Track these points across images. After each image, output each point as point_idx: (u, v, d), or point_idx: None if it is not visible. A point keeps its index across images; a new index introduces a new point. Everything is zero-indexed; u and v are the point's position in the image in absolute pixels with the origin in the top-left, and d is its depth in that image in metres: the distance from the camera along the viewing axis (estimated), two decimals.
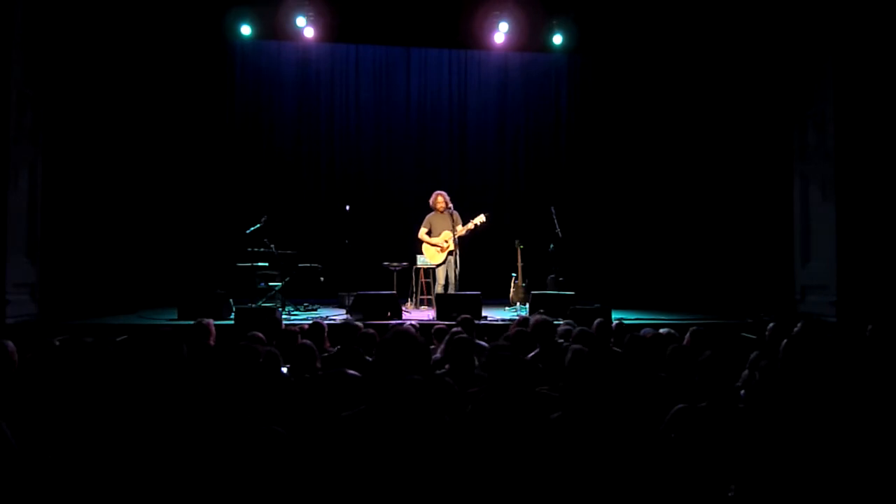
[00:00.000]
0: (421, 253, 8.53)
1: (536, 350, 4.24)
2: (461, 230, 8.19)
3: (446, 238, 8.23)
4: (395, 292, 7.68)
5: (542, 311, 6.93)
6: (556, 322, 5.12)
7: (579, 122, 10.33)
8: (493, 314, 7.70)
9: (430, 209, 8.50)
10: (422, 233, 8.42)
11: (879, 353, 3.96)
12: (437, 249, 8.34)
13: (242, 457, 2.61)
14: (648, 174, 10.04)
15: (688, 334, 4.60)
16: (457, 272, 8.19)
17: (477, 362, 3.90)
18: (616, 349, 4.45)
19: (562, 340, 4.54)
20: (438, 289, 8.26)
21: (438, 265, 8.35)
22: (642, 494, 2.55)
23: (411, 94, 10.19)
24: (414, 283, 8.66)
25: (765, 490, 2.61)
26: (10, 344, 3.72)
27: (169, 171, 9.26)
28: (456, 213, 8.28)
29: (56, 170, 8.11)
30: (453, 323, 5.35)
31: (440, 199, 8.32)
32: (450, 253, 8.24)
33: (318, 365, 3.86)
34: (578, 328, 4.50)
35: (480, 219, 8.23)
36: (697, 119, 9.63)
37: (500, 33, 9.51)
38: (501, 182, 10.29)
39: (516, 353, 3.32)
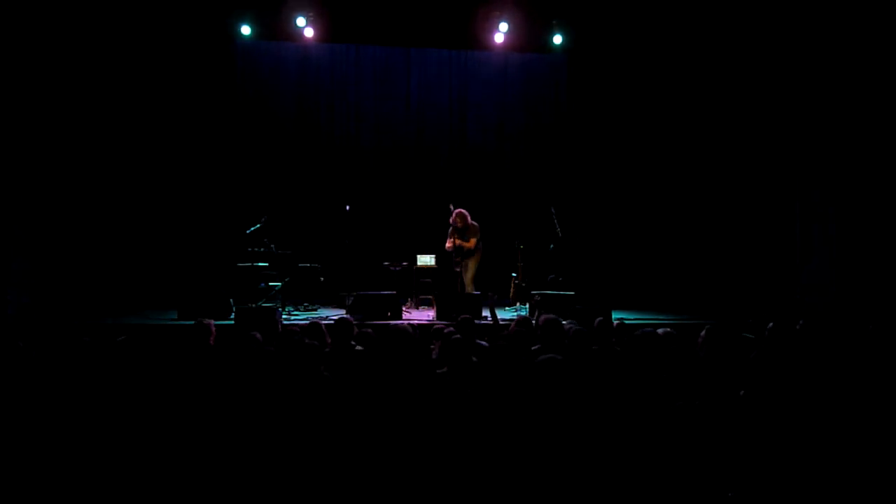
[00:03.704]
0: (422, 253, 8.58)
1: (538, 346, 4.25)
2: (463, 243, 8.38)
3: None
4: (395, 292, 7.68)
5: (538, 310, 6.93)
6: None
7: (579, 122, 10.32)
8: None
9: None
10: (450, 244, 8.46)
11: (879, 354, 3.95)
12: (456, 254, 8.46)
13: (242, 454, 2.61)
14: (648, 174, 10.04)
15: (690, 334, 4.59)
16: (469, 276, 8.34)
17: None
18: (617, 348, 4.45)
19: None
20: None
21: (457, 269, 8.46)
22: (641, 494, 2.55)
23: (411, 94, 10.18)
24: (414, 283, 8.65)
25: (764, 489, 2.61)
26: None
27: (169, 171, 9.26)
28: (473, 226, 8.36)
29: (56, 169, 8.12)
30: (451, 323, 5.35)
31: (455, 217, 8.37)
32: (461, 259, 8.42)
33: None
34: (576, 328, 4.50)
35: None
36: (698, 119, 9.63)
37: (500, 33, 9.52)
38: (501, 182, 10.29)
39: (517, 351, 3.32)
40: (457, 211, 8.41)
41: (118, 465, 2.74)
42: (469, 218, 8.38)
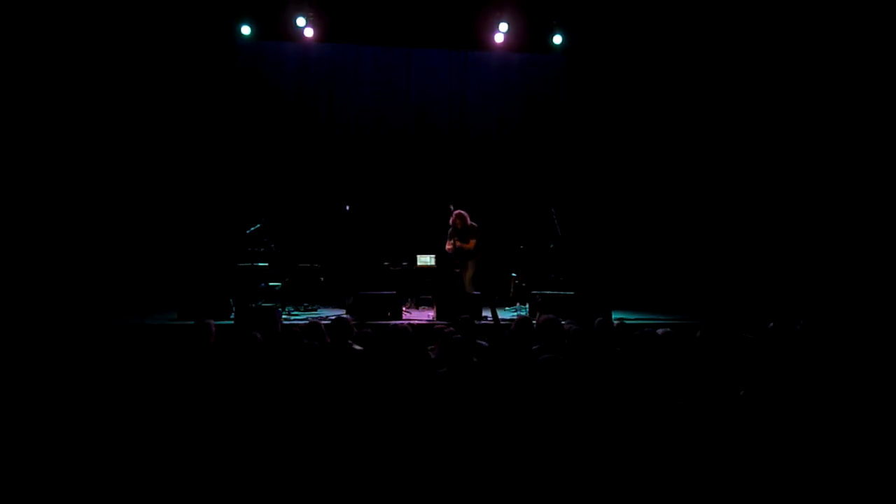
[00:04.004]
0: (422, 253, 8.57)
1: (538, 346, 4.25)
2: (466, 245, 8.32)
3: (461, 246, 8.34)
4: (395, 292, 7.68)
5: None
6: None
7: (579, 122, 10.32)
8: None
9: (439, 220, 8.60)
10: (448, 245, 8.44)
11: (877, 354, 3.95)
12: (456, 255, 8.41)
13: (242, 454, 2.61)
14: (648, 174, 10.03)
15: (690, 334, 4.59)
16: (469, 276, 8.31)
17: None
18: (617, 348, 4.45)
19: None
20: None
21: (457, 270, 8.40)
22: (641, 493, 2.55)
23: (411, 95, 10.18)
24: (414, 283, 8.63)
25: (765, 488, 2.60)
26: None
27: (168, 170, 9.26)
28: (473, 227, 8.33)
29: (56, 168, 8.13)
30: (451, 323, 5.34)
31: (455, 218, 8.34)
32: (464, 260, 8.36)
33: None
34: (576, 328, 4.50)
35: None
36: (699, 119, 9.62)
37: (500, 33, 9.54)
38: (502, 182, 10.29)
39: (517, 351, 3.32)
40: (456, 212, 8.40)
41: (119, 464, 2.74)
42: (469, 219, 8.37)
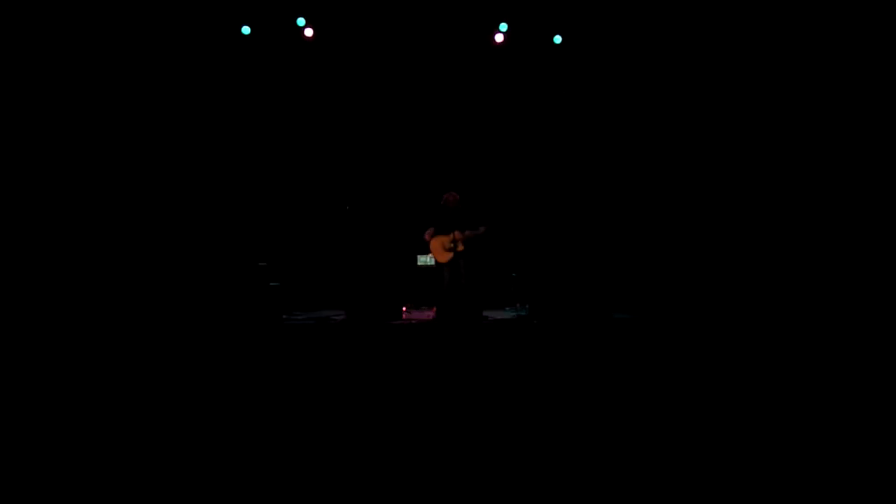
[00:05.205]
0: (422, 253, 8.54)
1: (537, 345, 4.26)
2: (468, 233, 8.03)
3: (455, 237, 8.10)
4: (395, 292, 7.67)
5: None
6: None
7: (580, 122, 10.32)
8: (493, 314, 7.72)
9: (438, 209, 8.28)
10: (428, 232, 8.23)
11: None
12: (443, 248, 8.24)
13: (244, 453, 2.62)
14: (648, 175, 10.02)
15: (686, 334, 4.61)
16: (465, 274, 8.07)
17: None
18: (615, 348, 4.46)
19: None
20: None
21: (446, 264, 8.22)
22: (639, 492, 2.56)
23: (411, 94, 10.19)
24: (414, 282, 8.64)
25: (768, 489, 2.61)
26: None
27: (168, 169, 9.25)
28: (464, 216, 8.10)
29: (54, 166, 8.13)
30: (451, 322, 5.36)
31: (450, 199, 8.12)
32: (459, 253, 8.12)
33: None
34: (577, 328, 4.52)
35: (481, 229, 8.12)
36: (700, 119, 9.61)
37: (500, 33, 9.56)
38: (501, 182, 10.29)
39: (516, 350, 3.33)
40: (453, 194, 8.05)
41: (119, 463, 2.75)
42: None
